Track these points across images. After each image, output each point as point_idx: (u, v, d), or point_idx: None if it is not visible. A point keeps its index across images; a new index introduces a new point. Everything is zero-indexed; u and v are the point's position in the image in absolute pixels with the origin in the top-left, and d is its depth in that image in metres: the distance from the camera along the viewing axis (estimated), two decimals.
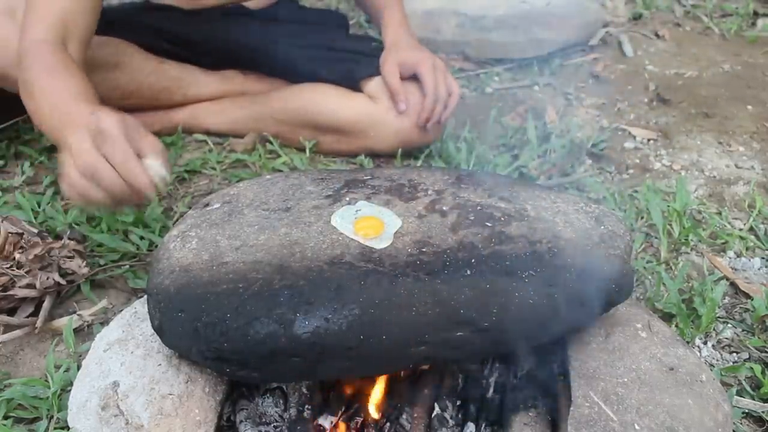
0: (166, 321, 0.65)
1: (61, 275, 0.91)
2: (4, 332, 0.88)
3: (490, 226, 0.69)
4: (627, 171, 1.24)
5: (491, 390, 0.75)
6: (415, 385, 0.73)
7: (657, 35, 1.78)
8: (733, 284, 0.98)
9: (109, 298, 0.93)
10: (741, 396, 0.81)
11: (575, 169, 1.23)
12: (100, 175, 0.74)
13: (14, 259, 0.90)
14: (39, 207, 1.08)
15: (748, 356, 0.87)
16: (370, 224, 0.69)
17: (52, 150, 1.24)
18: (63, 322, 0.87)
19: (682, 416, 0.64)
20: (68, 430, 0.69)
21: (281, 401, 0.73)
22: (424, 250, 0.66)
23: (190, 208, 1.02)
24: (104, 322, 0.88)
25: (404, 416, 0.71)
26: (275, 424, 0.71)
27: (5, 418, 0.76)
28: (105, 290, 0.95)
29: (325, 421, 0.71)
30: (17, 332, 0.88)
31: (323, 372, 0.64)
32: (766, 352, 0.87)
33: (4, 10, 1.05)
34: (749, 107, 1.45)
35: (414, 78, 1.17)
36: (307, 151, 1.22)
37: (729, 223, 1.11)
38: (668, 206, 1.08)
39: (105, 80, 1.14)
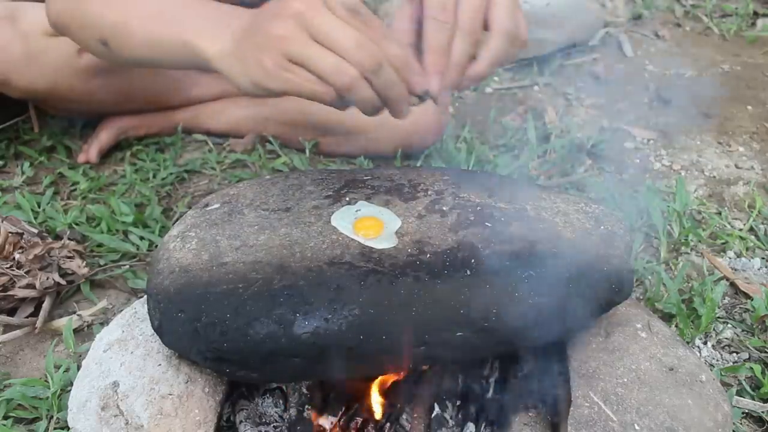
0: (166, 321, 0.65)
1: (61, 275, 0.91)
2: (4, 332, 0.88)
3: (490, 226, 0.69)
4: (627, 171, 1.24)
5: (491, 390, 0.75)
6: (415, 385, 0.73)
7: (657, 35, 1.78)
8: (732, 284, 0.98)
9: (109, 299, 0.93)
10: (741, 396, 0.81)
11: (575, 169, 1.23)
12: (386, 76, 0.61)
13: (14, 259, 0.90)
14: (39, 207, 1.08)
15: (747, 356, 0.87)
16: (369, 224, 0.69)
17: (51, 150, 1.24)
18: (63, 323, 0.87)
19: (681, 416, 0.64)
20: (68, 430, 0.69)
21: (281, 401, 0.73)
22: (424, 250, 0.66)
23: (189, 208, 1.02)
24: (104, 323, 0.88)
25: (404, 416, 0.71)
26: (275, 424, 0.71)
27: (5, 418, 0.76)
28: (105, 290, 0.95)
29: (326, 422, 0.71)
30: (17, 332, 0.88)
31: (323, 372, 0.64)
32: (765, 352, 0.87)
33: (5, 15, 1.04)
34: (749, 107, 1.45)
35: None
36: (307, 151, 1.22)
37: (729, 223, 1.11)
38: (668, 206, 1.08)
39: (105, 84, 1.13)
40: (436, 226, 0.69)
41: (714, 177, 1.23)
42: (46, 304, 0.89)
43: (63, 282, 0.90)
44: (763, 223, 1.10)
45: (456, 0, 0.63)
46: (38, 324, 0.87)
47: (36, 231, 0.96)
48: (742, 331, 0.91)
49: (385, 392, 0.73)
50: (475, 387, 0.75)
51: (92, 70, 1.10)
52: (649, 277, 0.98)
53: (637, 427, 0.62)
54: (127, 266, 0.97)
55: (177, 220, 0.88)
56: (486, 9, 0.64)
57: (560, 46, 1.63)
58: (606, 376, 0.67)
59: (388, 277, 0.63)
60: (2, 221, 0.93)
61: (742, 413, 0.79)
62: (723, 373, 0.83)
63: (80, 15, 0.81)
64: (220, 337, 0.61)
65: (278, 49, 0.60)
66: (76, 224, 1.05)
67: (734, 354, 0.87)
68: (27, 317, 0.89)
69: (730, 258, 1.04)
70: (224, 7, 0.72)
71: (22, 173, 1.17)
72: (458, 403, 0.73)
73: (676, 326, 0.88)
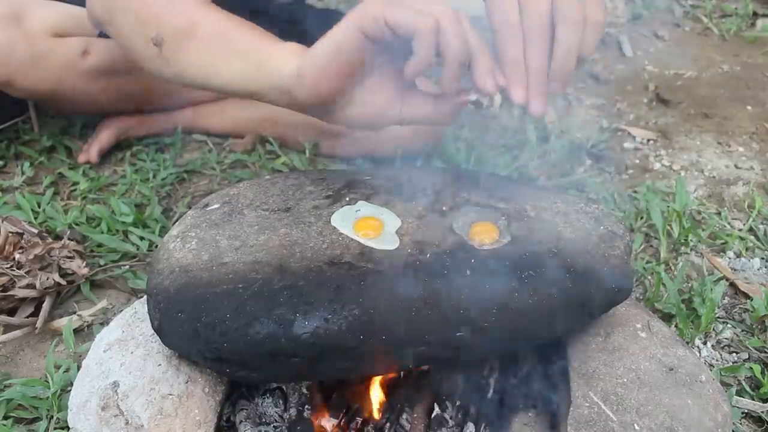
0: (166, 321, 0.65)
1: (61, 275, 0.91)
2: (4, 332, 0.88)
3: None
4: (627, 171, 1.24)
5: (491, 390, 0.75)
6: (415, 385, 0.73)
7: (657, 35, 1.78)
8: (732, 284, 0.98)
9: (109, 299, 0.94)
10: (740, 396, 0.81)
11: (575, 169, 1.23)
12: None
13: (14, 259, 0.90)
14: (39, 207, 1.08)
15: (747, 356, 0.87)
16: (369, 224, 0.69)
17: (52, 150, 1.24)
18: (63, 323, 0.88)
19: (681, 416, 0.64)
20: (68, 430, 0.69)
21: (281, 401, 0.73)
22: (424, 250, 0.66)
23: (189, 208, 1.02)
24: (104, 323, 0.88)
25: (404, 416, 0.71)
26: (275, 424, 0.71)
27: (5, 418, 0.76)
28: (105, 290, 0.95)
29: (326, 422, 0.71)
30: (17, 332, 0.88)
31: (323, 372, 0.64)
32: (765, 352, 0.87)
33: (8, 14, 1.04)
34: (749, 107, 1.45)
35: None
36: (307, 152, 1.22)
37: (728, 223, 1.11)
38: (668, 206, 1.08)
39: (108, 86, 1.13)
40: (436, 226, 0.70)
41: (714, 177, 1.23)
42: (46, 305, 0.89)
43: (63, 282, 0.90)
44: (762, 223, 1.11)
45: (519, 11, 0.63)
46: (38, 324, 0.87)
47: (36, 231, 0.96)
48: (742, 331, 0.91)
49: (385, 392, 0.73)
50: (475, 387, 0.75)
51: (95, 72, 1.10)
52: (649, 277, 0.98)
53: (636, 427, 0.63)
54: (127, 266, 0.98)
55: (177, 220, 0.88)
56: (552, 8, 0.62)
57: None
58: (606, 376, 0.67)
59: (388, 277, 0.63)
60: (2, 221, 0.93)
61: (742, 413, 0.79)
62: (723, 373, 0.83)
63: (133, 9, 0.76)
64: (220, 337, 0.61)
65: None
66: (76, 224, 1.05)
67: (734, 354, 0.88)
68: (27, 317, 0.89)
69: (729, 258, 1.04)
70: None
71: (22, 173, 1.17)
72: (458, 403, 0.73)
73: (676, 326, 0.89)
